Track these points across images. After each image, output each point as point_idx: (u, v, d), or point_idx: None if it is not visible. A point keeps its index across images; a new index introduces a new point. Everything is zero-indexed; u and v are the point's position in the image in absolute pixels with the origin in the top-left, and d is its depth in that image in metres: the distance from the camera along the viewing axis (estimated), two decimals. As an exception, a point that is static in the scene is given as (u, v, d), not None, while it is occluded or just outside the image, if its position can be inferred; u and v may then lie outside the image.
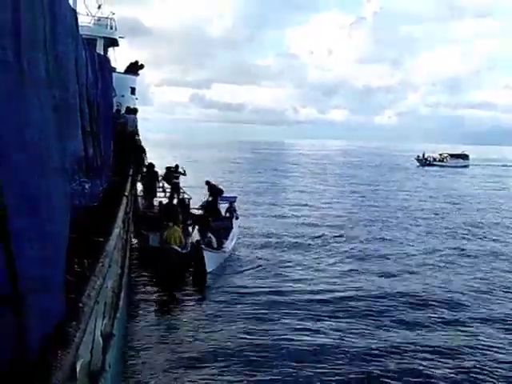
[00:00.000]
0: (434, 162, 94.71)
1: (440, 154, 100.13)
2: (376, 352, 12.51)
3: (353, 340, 13.32)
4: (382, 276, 19.51)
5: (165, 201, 23.52)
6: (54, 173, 3.55)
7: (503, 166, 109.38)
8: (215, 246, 19.98)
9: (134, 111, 22.76)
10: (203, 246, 18.55)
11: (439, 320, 14.94)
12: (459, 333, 13.98)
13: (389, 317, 14.97)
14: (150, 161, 22.96)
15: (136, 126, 17.96)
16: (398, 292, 17.39)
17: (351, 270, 20.36)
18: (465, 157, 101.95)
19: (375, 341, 13.19)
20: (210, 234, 20.25)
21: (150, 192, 23.58)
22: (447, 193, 49.93)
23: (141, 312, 14.76)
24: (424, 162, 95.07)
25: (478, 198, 46.45)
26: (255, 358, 11.93)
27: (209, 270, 18.20)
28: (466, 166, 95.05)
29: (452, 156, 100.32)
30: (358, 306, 15.88)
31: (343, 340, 13.25)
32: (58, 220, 3.57)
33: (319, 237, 26.56)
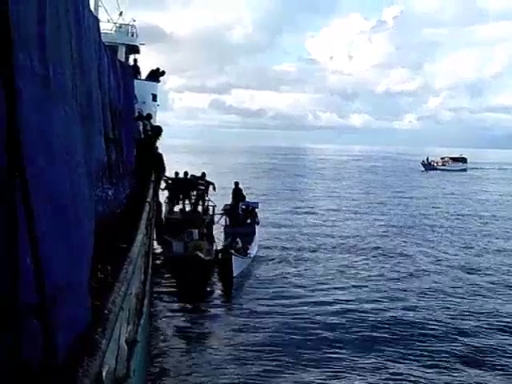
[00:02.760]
0: (438, 166, 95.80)
1: (442, 158, 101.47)
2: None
3: (380, 333, 13.60)
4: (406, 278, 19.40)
5: (187, 208, 23.67)
6: (80, 179, 3.56)
7: (500, 168, 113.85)
8: (242, 251, 20.06)
9: (147, 117, 22.81)
10: (232, 251, 18.63)
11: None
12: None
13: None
14: (170, 166, 23.06)
15: (140, 133, 17.78)
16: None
17: (376, 275, 20.27)
18: (463, 160, 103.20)
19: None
20: (238, 240, 20.32)
21: (173, 199, 23.74)
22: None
23: (164, 318, 14.77)
24: (428, 166, 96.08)
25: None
26: (280, 366, 11.84)
27: (234, 274, 18.26)
28: (464, 170, 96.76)
29: (452, 159, 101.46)
30: (383, 310, 15.84)
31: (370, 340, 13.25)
32: (84, 226, 3.58)
33: (338, 242, 26.64)
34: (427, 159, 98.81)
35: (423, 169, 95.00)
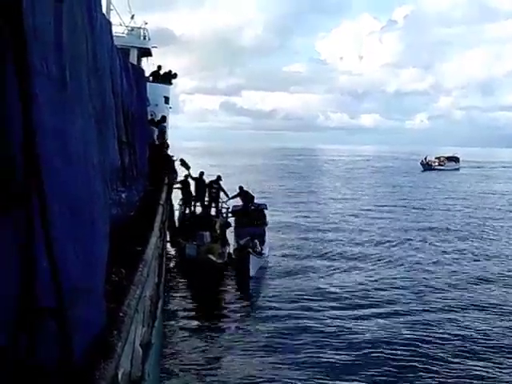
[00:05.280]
0: (435, 166, 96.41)
1: (438, 158, 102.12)
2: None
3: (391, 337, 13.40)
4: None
5: (199, 210, 23.71)
6: (96, 181, 3.58)
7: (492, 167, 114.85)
8: (259, 251, 20.09)
9: (161, 120, 22.80)
10: (250, 251, 18.66)
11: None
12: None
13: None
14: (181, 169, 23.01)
15: (154, 139, 17.61)
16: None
17: (383, 275, 20.22)
18: (456, 159, 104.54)
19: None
20: (256, 241, 20.32)
21: (185, 201, 23.77)
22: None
23: (178, 320, 14.74)
24: (427, 166, 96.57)
25: None
26: (298, 370, 11.74)
27: (251, 274, 18.29)
28: (457, 169, 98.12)
29: (447, 159, 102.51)
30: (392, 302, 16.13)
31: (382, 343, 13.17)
32: (99, 228, 3.59)
33: (346, 243, 26.71)
34: (425, 159, 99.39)
35: (422, 168, 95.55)
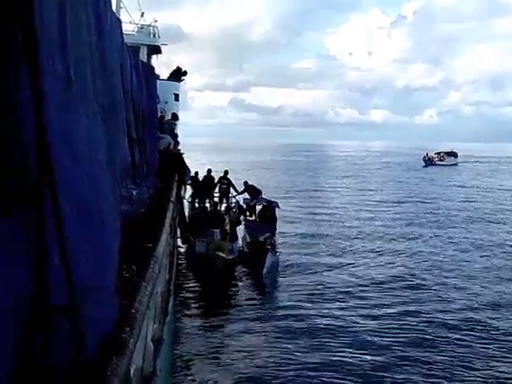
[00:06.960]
0: (436, 162, 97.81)
1: (438, 153, 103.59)
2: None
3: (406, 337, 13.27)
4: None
5: (209, 206, 23.70)
6: (104, 179, 3.59)
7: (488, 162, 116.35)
8: (276, 248, 20.09)
9: (173, 118, 22.70)
10: (269, 248, 18.74)
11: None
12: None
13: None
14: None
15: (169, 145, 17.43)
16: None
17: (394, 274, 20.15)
18: (455, 155, 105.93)
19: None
20: (274, 238, 20.29)
21: (195, 197, 23.81)
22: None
23: (189, 316, 14.73)
24: (428, 161, 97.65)
25: None
26: (311, 370, 11.66)
27: (265, 271, 18.34)
28: (455, 164, 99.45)
29: (447, 154, 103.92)
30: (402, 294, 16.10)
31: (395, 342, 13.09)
32: (109, 225, 3.60)
33: (355, 237, 26.79)
34: (427, 155, 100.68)
35: (424, 164, 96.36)
